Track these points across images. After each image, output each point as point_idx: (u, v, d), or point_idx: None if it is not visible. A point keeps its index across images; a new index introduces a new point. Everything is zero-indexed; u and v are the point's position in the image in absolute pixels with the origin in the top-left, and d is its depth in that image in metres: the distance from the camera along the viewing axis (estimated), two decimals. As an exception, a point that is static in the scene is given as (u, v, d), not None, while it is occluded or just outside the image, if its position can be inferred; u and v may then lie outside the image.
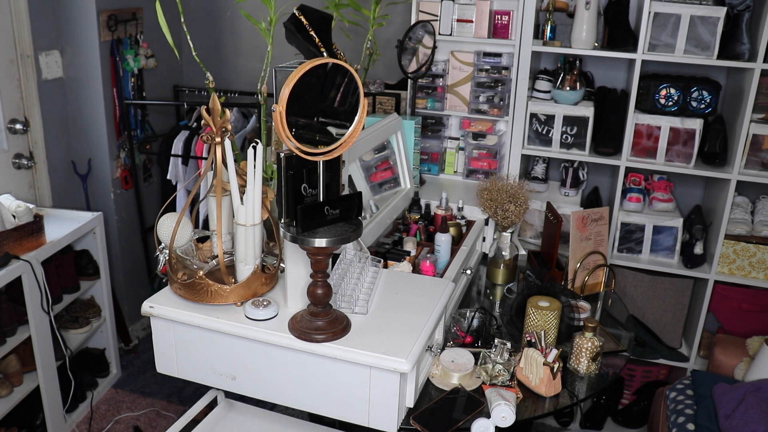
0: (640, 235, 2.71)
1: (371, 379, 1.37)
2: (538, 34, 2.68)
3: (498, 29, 2.66)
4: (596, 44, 2.58)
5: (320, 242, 1.28)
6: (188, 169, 3.28)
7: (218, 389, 1.77)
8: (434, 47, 2.62)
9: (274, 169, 1.77)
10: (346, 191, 1.67)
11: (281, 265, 1.54)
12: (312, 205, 1.30)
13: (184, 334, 1.51)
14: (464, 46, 2.73)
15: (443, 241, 1.99)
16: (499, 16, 2.65)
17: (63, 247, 2.58)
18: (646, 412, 2.86)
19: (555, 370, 1.59)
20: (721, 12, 2.38)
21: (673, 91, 2.56)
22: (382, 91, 3.10)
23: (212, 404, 1.80)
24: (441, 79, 2.77)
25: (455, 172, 2.86)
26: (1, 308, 2.35)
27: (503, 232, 2.17)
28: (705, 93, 2.55)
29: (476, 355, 1.67)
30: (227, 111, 1.44)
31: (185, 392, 3.07)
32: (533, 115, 2.70)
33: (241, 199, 1.45)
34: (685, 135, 2.56)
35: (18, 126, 2.75)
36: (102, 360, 3.03)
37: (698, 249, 2.65)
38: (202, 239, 1.69)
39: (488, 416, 1.49)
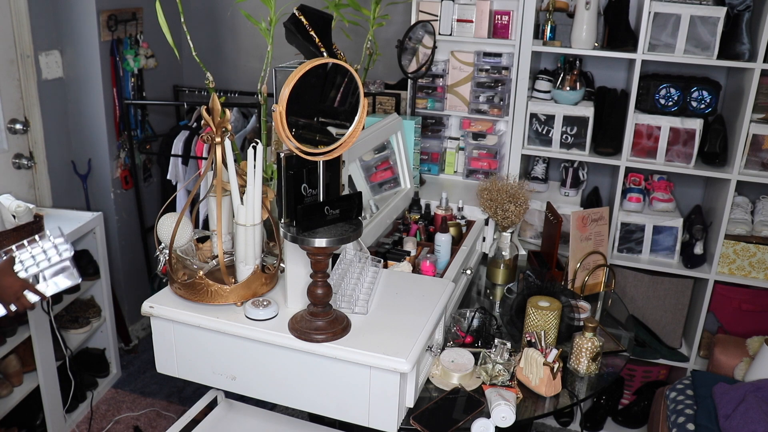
0: (640, 235, 2.72)
1: (371, 379, 1.37)
2: (538, 34, 2.68)
3: (498, 29, 2.66)
4: (596, 44, 2.59)
5: (320, 242, 1.28)
6: (188, 169, 3.28)
7: (218, 389, 1.77)
8: (434, 47, 2.62)
9: (274, 169, 1.77)
10: (346, 191, 1.67)
11: (281, 265, 1.54)
12: (312, 205, 1.30)
13: (184, 334, 1.51)
14: (464, 46, 2.73)
15: (443, 241, 1.99)
16: (499, 16, 2.65)
17: (63, 247, 2.57)
18: (646, 412, 2.87)
19: (555, 370, 1.59)
20: (721, 12, 2.38)
21: (673, 91, 2.56)
22: (382, 91, 3.10)
23: (212, 404, 1.80)
24: (441, 79, 2.77)
25: (455, 172, 2.86)
26: (1, 308, 2.35)
27: (503, 232, 2.17)
28: (705, 93, 2.55)
29: (476, 355, 1.68)
30: (227, 111, 1.44)
31: (185, 392, 3.07)
32: (533, 115, 2.70)
33: (241, 199, 1.45)
34: (685, 135, 2.56)
35: (18, 126, 2.75)
36: (102, 360, 3.03)
37: (698, 249, 2.65)
38: (202, 239, 1.69)
39: (488, 416, 1.49)
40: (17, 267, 1.63)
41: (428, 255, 1.92)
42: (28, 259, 1.65)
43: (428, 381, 1.62)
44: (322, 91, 1.28)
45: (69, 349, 2.65)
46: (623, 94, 2.74)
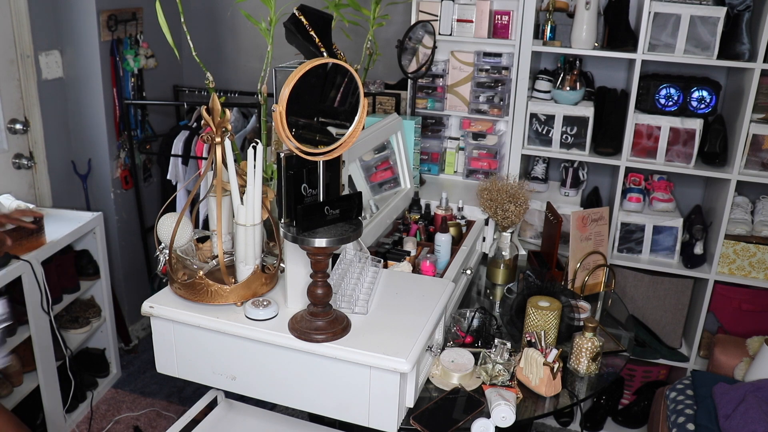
0: (640, 235, 2.72)
1: (371, 379, 1.37)
2: (538, 34, 2.68)
3: (498, 29, 2.66)
4: (596, 44, 2.59)
5: (320, 242, 1.28)
6: (188, 169, 3.28)
7: (218, 389, 1.77)
8: (434, 47, 2.62)
9: (274, 169, 1.77)
10: (346, 191, 1.67)
11: (281, 265, 1.54)
12: (312, 205, 1.30)
13: (184, 334, 1.51)
14: (464, 46, 2.73)
15: (443, 241, 1.99)
16: (499, 16, 2.65)
17: (63, 247, 2.58)
18: (646, 412, 2.86)
19: (555, 370, 1.59)
20: (721, 12, 2.38)
21: (673, 91, 2.56)
22: (382, 91, 3.10)
23: (212, 404, 1.80)
24: (441, 79, 2.77)
25: (455, 172, 2.86)
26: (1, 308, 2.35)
27: (503, 232, 2.17)
28: (705, 93, 2.55)
29: (476, 355, 1.68)
30: (227, 111, 1.44)
31: (185, 392, 3.07)
32: (533, 115, 2.70)
33: (241, 199, 1.45)
34: (685, 135, 2.56)
35: (18, 126, 2.75)
36: (102, 360, 3.03)
37: (698, 249, 2.65)
38: (202, 239, 1.69)
39: (488, 416, 1.49)
40: None
41: (428, 255, 1.92)
42: None
43: (428, 381, 1.62)
44: (322, 91, 1.28)
45: (69, 349, 2.65)
46: (623, 94, 2.74)
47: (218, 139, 1.42)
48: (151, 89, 3.38)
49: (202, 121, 1.44)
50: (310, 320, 1.38)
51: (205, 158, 3.11)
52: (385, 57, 3.05)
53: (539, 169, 2.90)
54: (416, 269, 1.87)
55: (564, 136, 2.68)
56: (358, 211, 1.38)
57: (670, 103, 2.57)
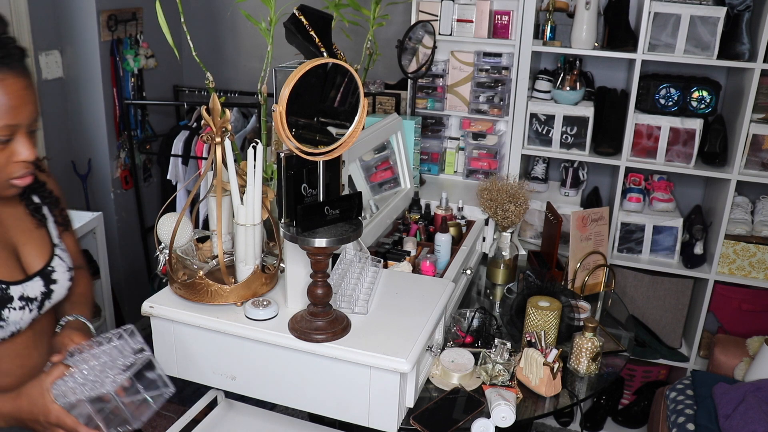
0: (640, 235, 2.72)
1: (371, 379, 1.37)
2: (538, 34, 2.68)
3: (498, 29, 2.66)
4: (596, 44, 2.59)
5: (320, 242, 1.28)
6: (188, 169, 3.28)
7: (218, 389, 1.77)
8: (434, 47, 2.62)
9: (274, 169, 1.77)
10: (346, 191, 1.67)
11: (281, 265, 1.54)
12: (312, 205, 1.30)
13: (184, 334, 1.51)
14: (464, 46, 2.73)
15: (443, 241, 1.99)
16: (499, 16, 2.65)
17: (63, 247, 2.57)
18: (646, 412, 2.86)
19: (555, 370, 1.59)
20: (721, 12, 2.38)
21: (673, 91, 2.56)
22: (382, 91, 3.10)
23: (212, 404, 1.80)
24: (441, 79, 2.77)
25: (455, 172, 2.86)
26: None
27: (503, 232, 2.17)
28: (705, 93, 2.55)
29: (476, 355, 1.68)
30: (227, 111, 1.44)
31: (185, 392, 3.07)
32: (533, 115, 2.70)
33: (241, 199, 1.45)
34: (685, 135, 2.56)
35: (18, 126, 2.75)
36: (102, 360, 3.02)
37: (698, 249, 2.65)
38: (202, 239, 1.69)
39: (488, 416, 1.49)
40: (68, 384, 1.04)
41: (428, 255, 1.92)
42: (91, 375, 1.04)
43: (428, 381, 1.62)
44: (322, 91, 1.27)
45: (69, 349, 2.64)
46: (623, 94, 2.74)
47: (218, 139, 1.42)
48: (151, 89, 3.38)
49: (202, 121, 1.44)
50: (310, 320, 1.38)
51: (205, 158, 3.11)
52: (385, 57, 3.05)
53: (539, 169, 2.90)
54: (416, 269, 1.87)
55: (564, 136, 2.68)
56: (358, 211, 1.37)
57: (670, 103, 2.57)
